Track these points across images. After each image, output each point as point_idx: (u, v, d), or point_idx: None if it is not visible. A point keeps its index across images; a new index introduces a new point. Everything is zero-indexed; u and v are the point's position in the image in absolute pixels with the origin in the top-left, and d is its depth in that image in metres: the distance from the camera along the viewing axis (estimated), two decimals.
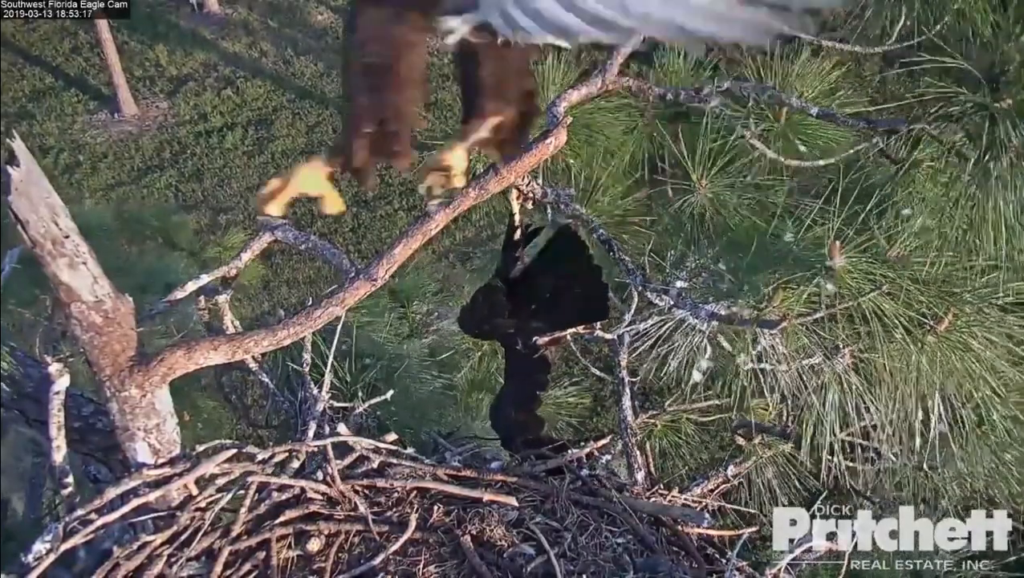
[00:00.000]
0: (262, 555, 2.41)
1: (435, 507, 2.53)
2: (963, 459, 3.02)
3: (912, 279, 2.80)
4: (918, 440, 2.88)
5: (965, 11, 3.34)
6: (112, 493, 2.39)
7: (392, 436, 2.78)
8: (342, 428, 2.70)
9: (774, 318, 2.71)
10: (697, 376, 2.95)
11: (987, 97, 2.90)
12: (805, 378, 2.83)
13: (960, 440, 2.94)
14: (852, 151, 3.23)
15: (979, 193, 3.02)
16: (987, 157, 2.96)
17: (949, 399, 2.85)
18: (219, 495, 2.46)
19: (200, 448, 2.52)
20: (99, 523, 2.33)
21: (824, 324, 2.79)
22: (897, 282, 2.76)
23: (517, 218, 3.10)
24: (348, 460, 2.62)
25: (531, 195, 3.04)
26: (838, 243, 2.74)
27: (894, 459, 3.08)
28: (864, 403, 2.83)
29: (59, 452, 2.48)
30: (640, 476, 3.14)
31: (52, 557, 2.26)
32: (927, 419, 2.86)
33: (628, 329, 3.10)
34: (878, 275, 2.76)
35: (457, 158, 2.24)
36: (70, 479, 2.48)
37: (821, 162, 3.27)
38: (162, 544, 2.36)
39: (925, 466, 3.03)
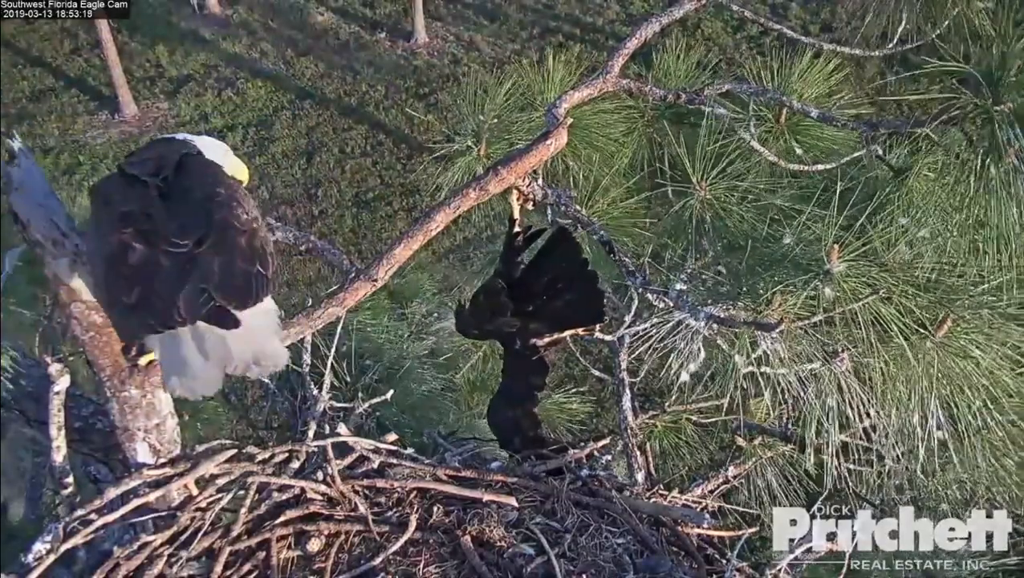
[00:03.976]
0: (262, 555, 2.41)
1: (435, 507, 2.52)
2: (962, 462, 3.02)
3: (911, 284, 2.80)
4: (918, 444, 2.88)
5: (965, 13, 3.34)
6: (112, 493, 2.38)
7: (392, 436, 2.78)
8: (342, 428, 2.70)
9: (772, 321, 2.71)
10: (684, 376, 2.95)
11: (987, 100, 2.90)
12: (804, 381, 2.83)
13: (959, 444, 2.94)
14: (852, 156, 3.22)
15: (979, 197, 3.01)
16: (987, 160, 2.95)
17: (948, 404, 2.85)
18: (219, 495, 2.46)
19: (200, 448, 2.52)
20: (99, 523, 2.32)
21: (823, 328, 2.79)
22: (896, 287, 2.76)
23: (517, 219, 3.10)
24: (348, 460, 2.62)
25: (531, 196, 3.03)
26: (837, 247, 2.74)
27: (894, 463, 3.07)
28: (863, 406, 2.83)
29: (59, 452, 2.48)
30: (640, 476, 3.15)
31: (52, 557, 2.26)
32: (926, 423, 2.86)
33: (628, 330, 3.10)
34: (876, 279, 2.76)
35: None
36: (70, 479, 2.48)
37: (820, 166, 3.26)
38: (162, 544, 2.36)
39: (925, 469, 3.03)
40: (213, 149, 2.43)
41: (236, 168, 2.49)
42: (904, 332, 2.76)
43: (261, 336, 2.16)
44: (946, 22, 3.36)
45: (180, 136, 2.39)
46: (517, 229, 3.11)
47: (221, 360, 2.10)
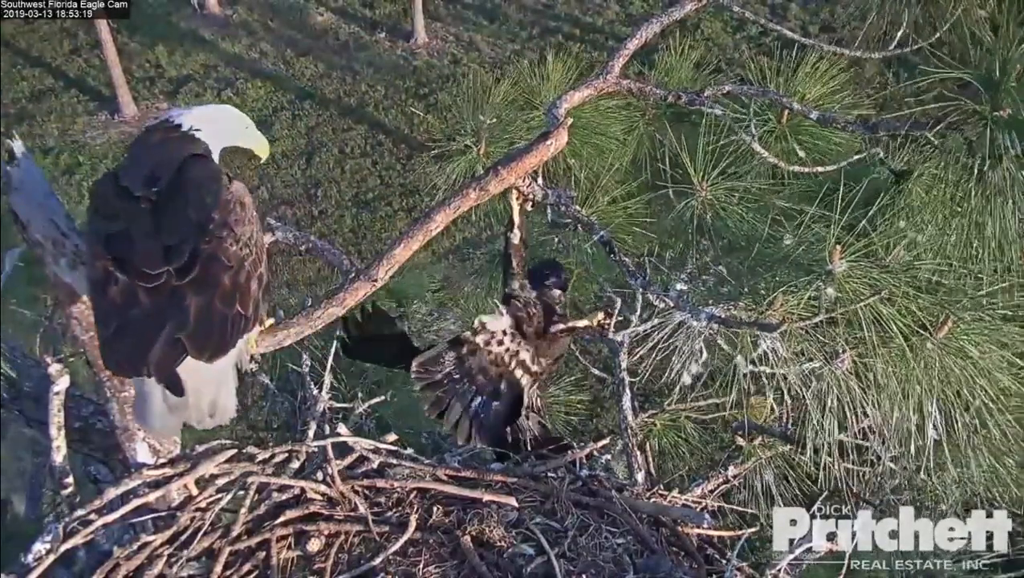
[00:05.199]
0: (262, 555, 2.41)
1: (435, 507, 2.52)
2: (961, 463, 3.02)
3: (912, 285, 2.80)
4: (916, 444, 2.88)
5: (965, 16, 3.34)
6: (112, 493, 2.38)
7: (392, 436, 2.78)
8: (342, 428, 2.70)
9: (773, 321, 2.71)
10: (687, 378, 2.95)
11: (986, 106, 2.90)
12: (805, 381, 2.83)
13: (958, 444, 2.94)
14: (854, 158, 3.22)
15: (978, 201, 3.01)
16: (986, 166, 2.95)
17: (947, 404, 2.86)
18: (219, 495, 2.46)
19: (200, 448, 2.52)
20: (99, 523, 2.32)
21: (824, 328, 2.79)
22: (897, 288, 2.76)
23: (518, 221, 3.08)
24: (348, 460, 2.62)
25: (531, 196, 3.03)
26: (839, 247, 2.74)
27: (893, 465, 3.08)
28: (863, 406, 2.83)
29: (59, 452, 2.48)
30: (640, 476, 3.14)
31: (52, 557, 2.26)
32: (925, 423, 2.86)
33: (628, 331, 3.09)
34: (878, 280, 2.77)
35: None
36: (70, 479, 2.48)
37: (820, 169, 3.26)
38: (162, 544, 2.36)
39: (925, 470, 3.03)
40: (234, 122, 2.42)
41: (256, 142, 2.48)
42: (905, 333, 2.76)
43: (219, 387, 2.19)
44: (946, 25, 3.36)
45: (190, 126, 2.29)
46: (517, 231, 3.10)
47: (180, 410, 2.15)
